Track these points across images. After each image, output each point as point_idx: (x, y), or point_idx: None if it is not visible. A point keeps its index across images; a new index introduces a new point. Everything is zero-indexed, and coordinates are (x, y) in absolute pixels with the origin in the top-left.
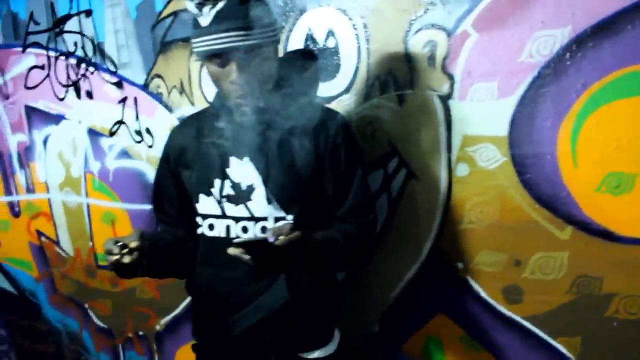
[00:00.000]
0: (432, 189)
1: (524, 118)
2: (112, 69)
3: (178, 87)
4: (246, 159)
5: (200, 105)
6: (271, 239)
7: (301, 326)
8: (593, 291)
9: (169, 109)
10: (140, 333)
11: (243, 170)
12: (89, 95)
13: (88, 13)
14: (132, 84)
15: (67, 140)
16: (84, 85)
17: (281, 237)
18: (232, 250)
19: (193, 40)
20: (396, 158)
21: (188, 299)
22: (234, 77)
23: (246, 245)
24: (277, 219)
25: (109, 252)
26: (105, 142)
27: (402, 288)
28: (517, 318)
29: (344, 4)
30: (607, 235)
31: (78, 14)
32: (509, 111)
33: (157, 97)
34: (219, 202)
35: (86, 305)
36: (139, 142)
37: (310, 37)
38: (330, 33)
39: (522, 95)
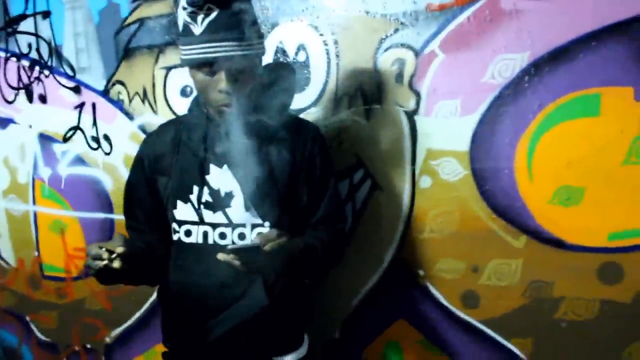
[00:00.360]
0: (395, 199)
1: (485, 134)
2: (70, 73)
3: (141, 94)
4: (225, 167)
5: (164, 113)
6: (261, 245)
7: (275, 331)
8: (544, 295)
9: (129, 116)
10: (88, 346)
11: (222, 178)
12: (42, 99)
13: (45, 14)
14: (91, 89)
15: (15, 145)
16: (37, 89)
17: (270, 243)
18: (222, 256)
19: (183, 48)
20: (362, 169)
21: (141, 310)
22: (223, 85)
23: (239, 251)
24: (254, 226)
25: (98, 257)
26: (58, 147)
27: (363, 295)
28: (474, 322)
29: (315, 20)
30: (558, 243)
31: (34, 14)
32: (470, 128)
33: (118, 103)
34: (197, 209)
35: (27, 318)
36: (96, 149)
37: (281, 50)
38: (301, 47)
39: (483, 113)
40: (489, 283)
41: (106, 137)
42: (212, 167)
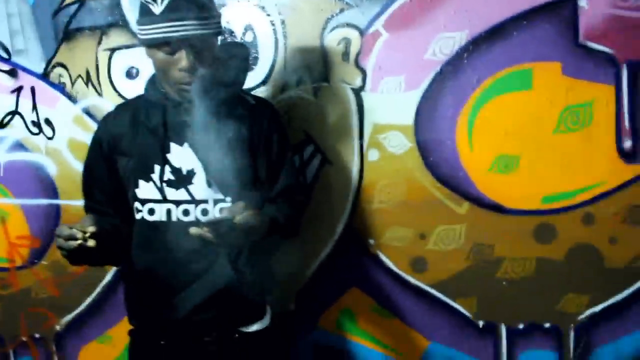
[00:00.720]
0: (345, 173)
1: (428, 109)
2: (5, 55)
3: (84, 77)
4: (186, 145)
5: (109, 95)
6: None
7: (240, 302)
8: (486, 257)
9: (72, 99)
10: (37, 336)
11: (183, 156)
12: None
13: None
14: (29, 72)
15: None
16: None
17: (240, 215)
18: (195, 230)
19: (143, 27)
20: (311, 145)
21: (92, 296)
22: (184, 64)
23: (212, 224)
24: (216, 202)
25: (72, 237)
26: None
27: (316, 266)
28: (423, 285)
29: (262, 0)
30: (497, 208)
31: None
32: (414, 102)
33: (59, 87)
34: (160, 188)
35: None
36: (37, 134)
37: (228, 31)
38: (249, 27)
39: (426, 89)
40: (436, 248)
41: (48, 122)
42: (173, 146)
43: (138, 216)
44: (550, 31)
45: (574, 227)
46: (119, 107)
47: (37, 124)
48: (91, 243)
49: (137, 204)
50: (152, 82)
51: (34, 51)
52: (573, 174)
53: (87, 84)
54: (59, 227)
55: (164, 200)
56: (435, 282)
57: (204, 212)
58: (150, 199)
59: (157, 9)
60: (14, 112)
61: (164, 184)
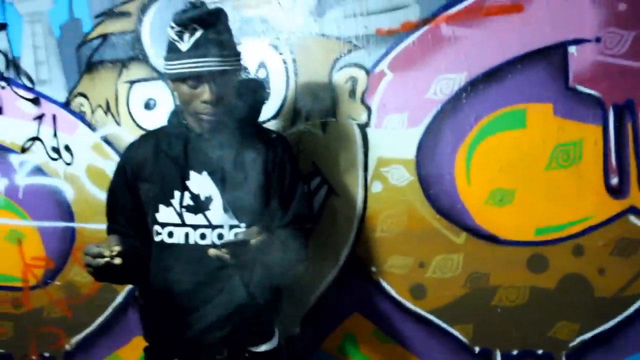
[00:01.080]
0: (350, 203)
1: (429, 144)
2: (29, 84)
3: (104, 106)
4: (205, 173)
5: (127, 125)
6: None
7: (251, 323)
8: (482, 285)
9: (92, 127)
10: (46, 354)
11: (202, 183)
12: None
13: (1, 26)
14: (52, 101)
15: None
16: None
17: (256, 238)
18: (213, 252)
19: (169, 63)
20: (319, 177)
21: (103, 316)
22: (207, 97)
23: (229, 245)
24: (231, 227)
25: (99, 255)
26: (15, 158)
27: (321, 291)
28: (422, 312)
29: (275, 40)
30: (493, 239)
31: None
32: (416, 138)
33: (79, 115)
34: (179, 212)
35: None
36: (56, 159)
37: (242, 67)
38: (262, 65)
39: (427, 126)
40: (434, 276)
41: (67, 148)
42: (192, 174)
43: (157, 238)
44: (543, 75)
45: (565, 257)
46: (142, 137)
47: (56, 150)
48: (117, 261)
49: (157, 227)
50: (175, 114)
51: (57, 81)
52: (564, 208)
53: (106, 114)
54: (86, 246)
55: (183, 224)
56: (434, 309)
57: (220, 236)
58: (170, 223)
59: (183, 47)
60: (35, 138)
61: (183, 209)
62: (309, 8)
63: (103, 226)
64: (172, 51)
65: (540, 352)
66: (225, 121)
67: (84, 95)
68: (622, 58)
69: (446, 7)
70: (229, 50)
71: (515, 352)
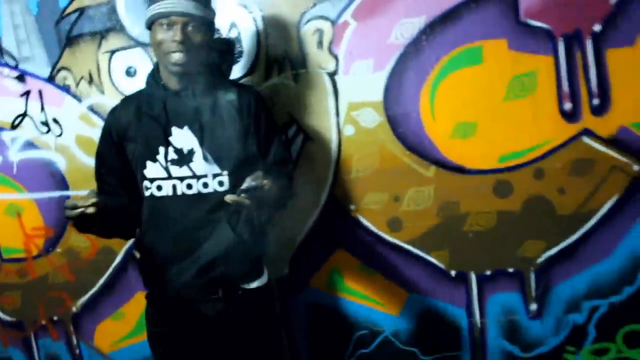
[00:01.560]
0: (325, 148)
1: (394, 86)
2: (12, 63)
3: (87, 78)
4: (185, 128)
5: (111, 93)
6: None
7: (241, 262)
8: (453, 213)
9: (77, 99)
10: (55, 318)
11: (184, 137)
12: None
13: None
14: (36, 77)
15: None
16: None
17: (267, 182)
18: (231, 197)
19: (149, 10)
20: (294, 125)
21: (104, 277)
22: (178, 36)
23: (248, 190)
24: (215, 175)
25: (74, 207)
26: (6, 135)
27: (305, 233)
28: (400, 242)
29: (244, 0)
30: (460, 169)
31: None
32: (382, 82)
33: (65, 88)
34: (165, 167)
35: None
36: (46, 132)
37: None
38: (233, 25)
39: (392, 69)
40: (409, 209)
41: (56, 121)
42: (174, 129)
43: (147, 193)
44: (495, 12)
45: (527, 181)
46: (124, 101)
47: (45, 123)
48: (90, 210)
49: (146, 183)
50: (152, 75)
51: (39, 57)
52: (523, 135)
53: (90, 84)
54: (66, 201)
55: (169, 177)
56: (411, 239)
57: (205, 185)
58: (158, 177)
59: None
60: (24, 115)
61: (169, 163)
62: None
63: None
64: (152, 1)
65: (511, 270)
66: (199, 76)
67: (67, 69)
68: None
69: None
70: (204, 3)
71: (488, 273)
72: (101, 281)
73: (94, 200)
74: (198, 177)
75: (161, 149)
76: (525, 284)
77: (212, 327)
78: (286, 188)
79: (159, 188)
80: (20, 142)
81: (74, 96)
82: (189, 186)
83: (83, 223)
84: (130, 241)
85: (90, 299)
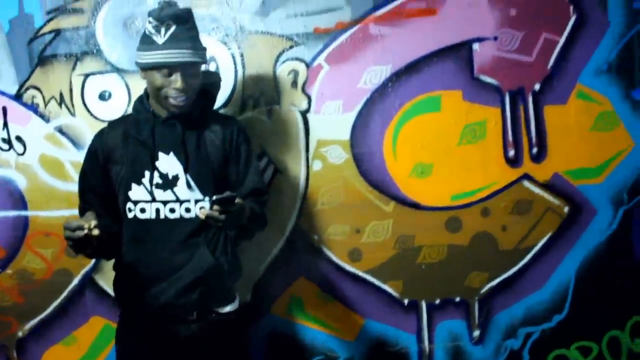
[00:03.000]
0: (293, 181)
1: (361, 127)
2: None
3: (57, 98)
4: (171, 154)
5: (82, 115)
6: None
7: (217, 286)
8: (409, 245)
9: (45, 118)
10: None
11: (169, 163)
12: None
13: None
14: (1, 93)
15: None
16: None
17: (238, 198)
18: (204, 210)
19: (145, 53)
20: (266, 157)
21: (59, 299)
22: (179, 85)
23: (221, 200)
24: (197, 201)
25: (79, 228)
26: None
27: (269, 261)
28: (359, 272)
29: (224, 37)
30: (416, 206)
31: None
32: (350, 122)
33: (32, 107)
34: (150, 190)
35: None
36: (7, 150)
37: None
38: (212, 59)
39: (359, 111)
40: (369, 240)
41: (19, 139)
42: (160, 154)
43: (130, 215)
44: (453, 67)
45: (475, 218)
46: (111, 124)
47: (7, 141)
48: (96, 232)
49: (129, 205)
50: (140, 102)
51: (7, 74)
52: (473, 177)
53: (60, 105)
54: (67, 221)
55: (153, 200)
56: (369, 269)
57: (187, 210)
58: (142, 200)
59: (160, 40)
60: None
61: (154, 187)
62: (254, 8)
63: (57, 212)
64: (148, 43)
65: (457, 299)
66: (188, 107)
67: (37, 88)
68: (515, 53)
69: (374, 9)
70: (198, 44)
71: (437, 302)
72: (54, 304)
73: (96, 222)
74: (181, 202)
75: (147, 173)
76: (469, 312)
77: (185, 348)
78: (259, 216)
79: (143, 210)
80: None
81: (41, 116)
82: (172, 210)
83: (83, 245)
84: (90, 263)
85: (39, 323)
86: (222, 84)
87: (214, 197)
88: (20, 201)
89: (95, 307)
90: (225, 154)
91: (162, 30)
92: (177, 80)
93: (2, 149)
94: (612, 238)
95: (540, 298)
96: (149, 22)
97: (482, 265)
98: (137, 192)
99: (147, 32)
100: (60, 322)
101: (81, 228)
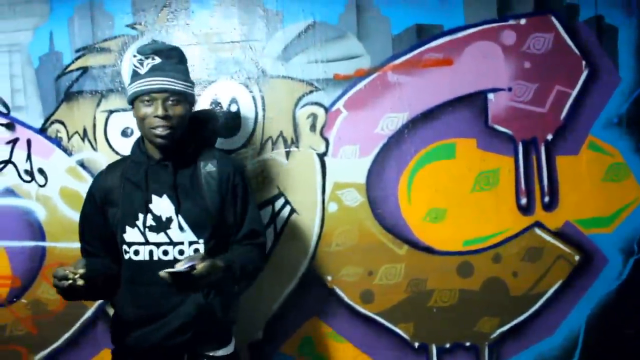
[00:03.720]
0: (309, 221)
1: (377, 171)
2: (4, 110)
3: (81, 133)
4: (165, 196)
5: (104, 150)
6: (189, 268)
7: (210, 329)
8: (421, 289)
9: (67, 152)
10: None
11: (163, 205)
12: None
13: None
14: (27, 126)
15: None
16: None
17: (198, 267)
18: (163, 273)
19: (131, 86)
20: (282, 198)
21: (70, 331)
22: (159, 112)
23: (174, 275)
24: (191, 243)
25: (64, 278)
26: None
27: (282, 300)
28: (370, 314)
29: (246, 80)
30: (429, 250)
31: None
32: (366, 166)
33: (55, 140)
34: (143, 232)
35: None
36: (29, 181)
37: (216, 102)
38: (234, 100)
39: (376, 155)
40: (381, 283)
41: (41, 171)
42: (154, 197)
43: (126, 257)
44: (468, 115)
45: (487, 264)
46: (109, 167)
47: (29, 172)
48: (80, 282)
49: (124, 247)
50: (137, 145)
51: (33, 108)
52: (486, 223)
53: (83, 140)
54: (56, 269)
55: (147, 242)
56: (381, 311)
57: (181, 252)
58: (135, 242)
59: (142, 71)
60: (7, 161)
61: (147, 229)
62: (276, 53)
63: (74, 244)
64: (133, 77)
65: (468, 344)
66: (181, 146)
67: (61, 122)
68: (528, 104)
69: (392, 58)
70: (181, 75)
71: (447, 345)
72: (66, 335)
73: (83, 271)
74: (175, 244)
75: (140, 215)
76: (479, 357)
77: None
78: (256, 260)
79: (136, 253)
80: None
81: (64, 149)
82: (165, 252)
83: (70, 293)
84: None
85: (50, 354)
86: (241, 124)
87: (165, 271)
88: (38, 232)
89: (107, 339)
90: (222, 194)
91: (146, 62)
92: (157, 107)
93: (24, 180)
94: (623, 287)
95: (551, 345)
96: (134, 56)
97: (493, 310)
98: (131, 234)
99: (133, 68)
100: (72, 353)
101: (66, 278)
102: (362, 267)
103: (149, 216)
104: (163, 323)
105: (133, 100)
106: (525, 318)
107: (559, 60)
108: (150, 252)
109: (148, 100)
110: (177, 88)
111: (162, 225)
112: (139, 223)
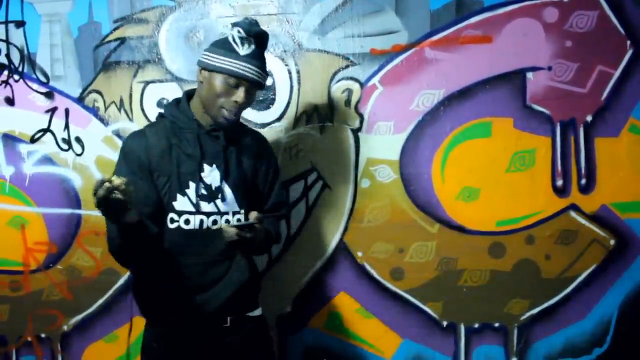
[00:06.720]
0: (341, 197)
1: (411, 148)
2: (43, 79)
3: (117, 103)
4: (214, 166)
5: (139, 121)
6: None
7: (251, 292)
8: (451, 268)
9: (104, 122)
10: (42, 336)
11: (213, 175)
12: (9, 101)
13: (19, 24)
14: (65, 95)
15: None
16: (3, 92)
17: (256, 225)
18: (227, 227)
19: (221, 58)
20: (315, 173)
21: (104, 297)
22: (241, 99)
23: (239, 228)
24: (234, 213)
25: (103, 182)
26: (24, 148)
27: (312, 274)
28: (400, 291)
29: (282, 54)
30: (461, 229)
31: (6, 22)
32: (401, 143)
33: (93, 110)
34: (195, 202)
35: None
36: (67, 150)
37: None
38: (270, 74)
39: (410, 132)
40: (411, 260)
41: (78, 140)
42: (206, 167)
43: (173, 225)
44: (505, 94)
45: (519, 245)
46: (150, 130)
47: (67, 141)
48: (119, 195)
49: (172, 215)
50: (177, 107)
51: (72, 78)
52: (519, 204)
53: (119, 110)
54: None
55: (197, 212)
56: (410, 289)
57: (227, 222)
58: (186, 211)
59: (241, 51)
60: (46, 130)
61: (199, 199)
62: (313, 27)
63: None
64: (227, 50)
65: (496, 325)
66: (235, 122)
67: (99, 92)
68: (568, 84)
69: (430, 34)
70: (265, 68)
71: (476, 325)
72: (100, 301)
73: (121, 181)
74: (222, 214)
75: (192, 184)
76: (508, 339)
77: (220, 354)
78: (272, 237)
79: (187, 222)
80: (37, 156)
81: (101, 119)
82: (214, 222)
83: (111, 206)
84: None
85: (84, 319)
86: (276, 98)
87: (233, 224)
88: (74, 200)
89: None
90: (255, 170)
91: (246, 44)
92: (240, 94)
93: (62, 149)
94: None
95: (581, 329)
96: (238, 32)
97: (523, 292)
98: (181, 202)
99: (230, 39)
100: (103, 320)
101: (104, 182)
102: (393, 244)
103: (201, 185)
104: (213, 293)
105: (210, 69)
106: (557, 301)
107: (602, 39)
108: (201, 222)
109: (234, 83)
110: (262, 82)
111: (213, 194)
112: (190, 192)
